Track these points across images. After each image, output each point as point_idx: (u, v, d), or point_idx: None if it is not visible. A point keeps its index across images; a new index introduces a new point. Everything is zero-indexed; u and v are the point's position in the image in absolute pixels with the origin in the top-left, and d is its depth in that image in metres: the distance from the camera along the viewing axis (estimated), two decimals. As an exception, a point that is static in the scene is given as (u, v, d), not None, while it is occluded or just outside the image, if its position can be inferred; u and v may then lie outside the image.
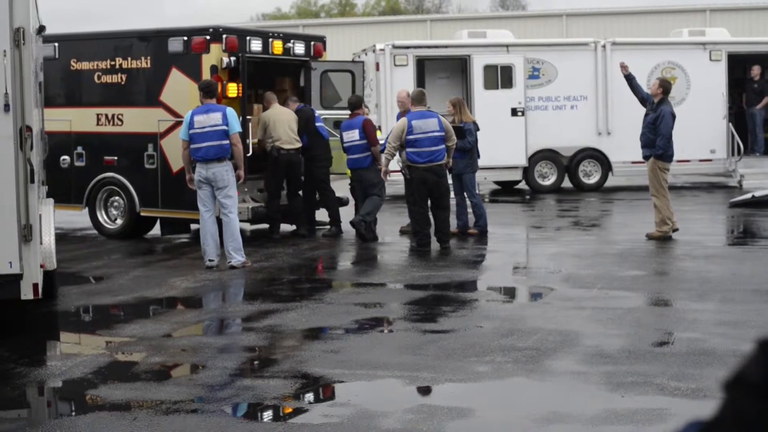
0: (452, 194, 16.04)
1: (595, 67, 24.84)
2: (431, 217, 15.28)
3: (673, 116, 15.58)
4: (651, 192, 15.81)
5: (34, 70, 10.04)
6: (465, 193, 16.38)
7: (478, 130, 16.61)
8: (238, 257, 13.72)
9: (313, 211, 17.20)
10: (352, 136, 16.16)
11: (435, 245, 15.20)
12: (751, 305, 10.78)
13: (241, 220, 16.04)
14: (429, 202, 15.22)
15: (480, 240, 16.18)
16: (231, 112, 13.77)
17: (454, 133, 15.30)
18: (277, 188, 16.46)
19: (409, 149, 14.90)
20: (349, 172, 17.04)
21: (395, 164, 16.12)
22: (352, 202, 17.46)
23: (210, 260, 13.74)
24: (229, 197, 13.77)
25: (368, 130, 16.12)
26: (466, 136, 15.97)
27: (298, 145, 16.37)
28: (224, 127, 13.59)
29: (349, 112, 17.21)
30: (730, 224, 19.08)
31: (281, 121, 16.18)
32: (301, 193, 16.85)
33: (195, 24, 16.56)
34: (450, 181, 15.86)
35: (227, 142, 13.62)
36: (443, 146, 14.99)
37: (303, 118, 16.59)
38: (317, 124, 16.89)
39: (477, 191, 16.85)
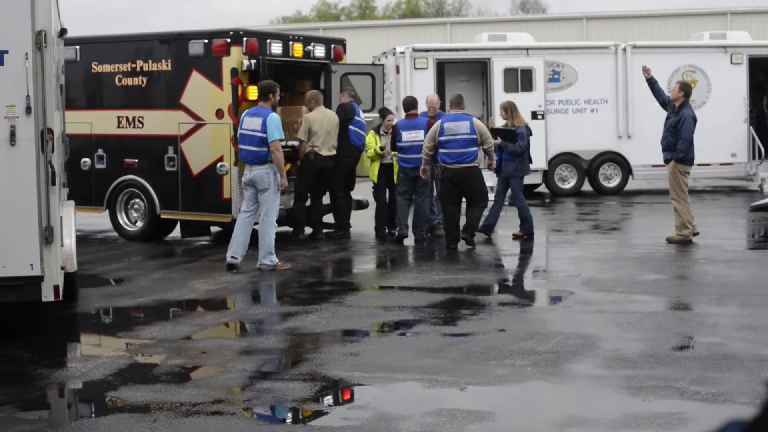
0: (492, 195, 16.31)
1: (616, 70, 24.80)
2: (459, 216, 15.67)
3: (695, 120, 15.54)
4: (671, 195, 15.78)
5: (55, 72, 10.09)
6: (511, 197, 16.53)
7: (530, 134, 16.78)
8: (265, 261, 13.74)
9: (346, 210, 17.22)
10: (416, 136, 16.16)
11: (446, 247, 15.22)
12: (772, 309, 10.74)
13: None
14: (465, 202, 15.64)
15: (500, 243, 16.16)
16: (272, 119, 13.73)
17: (490, 135, 15.58)
18: (304, 191, 16.49)
19: (440, 150, 15.27)
20: (373, 175, 17.04)
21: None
22: (373, 205, 17.47)
23: (232, 257, 13.79)
24: (266, 200, 13.81)
25: None
26: (517, 139, 16.10)
27: (334, 152, 16.42)
28: (262, 134, 13.64)
29: (374, 114, 17.30)
30: (751, 228, 19.01)
31: (323, 127, 16.18)
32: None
33: (215, 27, 16.59)
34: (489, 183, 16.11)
35: (264, 149, 13.67)
36: (474, 149, 15.24)
37: (340, 117, 16.61)
38: (351, 127, 16.78)
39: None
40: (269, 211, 13.84)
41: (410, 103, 16.75)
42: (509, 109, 16.63)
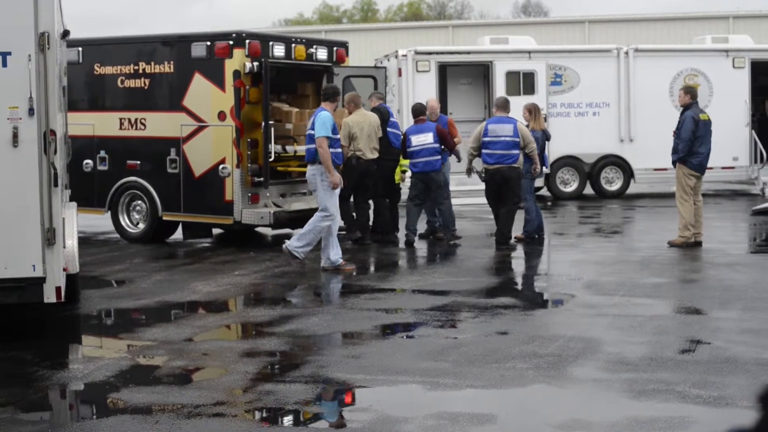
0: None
1: (618, 73, 24.83)
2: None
3: (695, 121, 15.55)
4: (676, 197, 15.87)
5: (58, 74, 10.10)
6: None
7: (548, 139, 17.06)
8: (293, 243, 14.07)
9: (387, 215, 16.96)
10: (425, 139, 16.33)
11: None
12: (773, 313, 10.74)
13: (263, 225, 16.10)
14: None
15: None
16: (321, 116, 13.75)
17: (533, 140, 16.02)
18: (348, 194, 16.20)
19: (483, 151, 15.80)
20: None
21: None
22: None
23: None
24: (319, 201, 14.00)
25: (444, 134, 16.55)
26: None
27: (377, 155, 16.19)
28: (311, 131, 13.78)
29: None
30: (753, 232, 19.01)
31: (363, 131, 15.94)
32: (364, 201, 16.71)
33: (218, 29, 16.59)
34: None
35: (312, 146, 13.80)
36: (516, 151, 15.76)
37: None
38: (389, 129, 16.63)
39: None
40: (325, 209, 13.93)
41: (419, 110, 16.76)
42: (533, 111, 16.92)
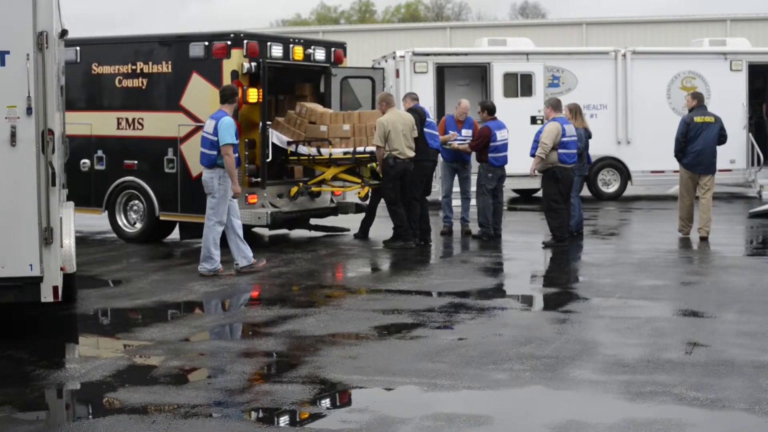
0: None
1: (615, 75, 24.84)
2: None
3: (686, 123, 16.51)
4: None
5: (56, 73, 10.10)
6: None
7: (590, 137, 17.34)
8: (205, 265, 13.70)
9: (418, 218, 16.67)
10: (507, 134, 17.25)
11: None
12: (770, 316, 10.76)
13: (260, 226, 16.11)
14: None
15: (499, 247, 16.19)
16: (224, 122, 13.50)
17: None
18: (396, 197, 16.09)
19: (561, 151, 15.92)
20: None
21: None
22: (381, 208, 17.46)
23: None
24: (210, 204, 13.71)
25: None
26: None
27: (413, 153, 16.09)
28: (213, 137, 13.54)
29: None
30: (749, 235, 19.01)
31: (398, 130, 15.80)
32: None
33: (216, 29, 16.57)
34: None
35: (214, 152, 13.54)
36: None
37: (416, 121, 16.41)
38: (426, 129, 16.58)
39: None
40: (213, 214, 13.68)
41: (495, 107, 17.61)
42: (574, 111, 17.17)
